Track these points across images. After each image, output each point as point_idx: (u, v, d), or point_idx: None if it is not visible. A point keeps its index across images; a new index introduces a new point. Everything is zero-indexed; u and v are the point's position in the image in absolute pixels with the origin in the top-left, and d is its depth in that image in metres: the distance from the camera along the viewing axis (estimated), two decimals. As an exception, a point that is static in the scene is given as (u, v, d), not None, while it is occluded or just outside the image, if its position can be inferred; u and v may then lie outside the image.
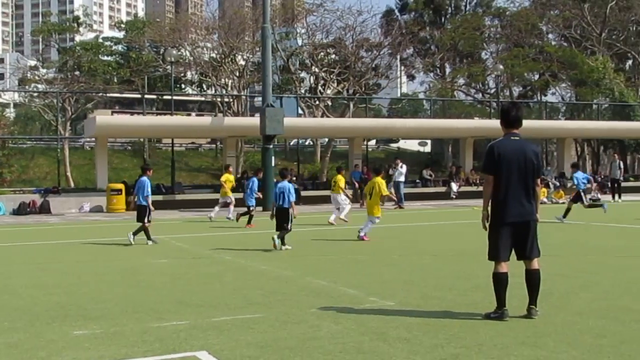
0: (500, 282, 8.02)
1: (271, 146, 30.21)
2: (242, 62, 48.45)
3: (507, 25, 59.04)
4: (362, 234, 17.21)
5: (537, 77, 58.85)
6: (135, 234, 17.08)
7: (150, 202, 17.42)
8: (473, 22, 57.07)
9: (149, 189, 17.52)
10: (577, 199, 22.89)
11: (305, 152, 51.47)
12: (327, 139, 46.68)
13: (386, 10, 62.18)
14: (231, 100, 45.66)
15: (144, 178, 17.63)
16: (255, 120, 32.07)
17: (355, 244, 16.63)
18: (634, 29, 62.77)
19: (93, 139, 36.31)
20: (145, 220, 17.27)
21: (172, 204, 31.66)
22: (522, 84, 60.94)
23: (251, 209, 22.80)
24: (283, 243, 15.52)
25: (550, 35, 63.16)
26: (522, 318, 8.02)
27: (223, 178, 26.36)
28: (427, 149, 60.61)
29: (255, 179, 23.88)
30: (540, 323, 7.82)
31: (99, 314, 8.74)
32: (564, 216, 21.78)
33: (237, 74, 47.03)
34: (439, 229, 21.06)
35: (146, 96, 45.84)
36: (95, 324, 8.20)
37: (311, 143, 55.21)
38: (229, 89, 47.64)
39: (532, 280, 8.13)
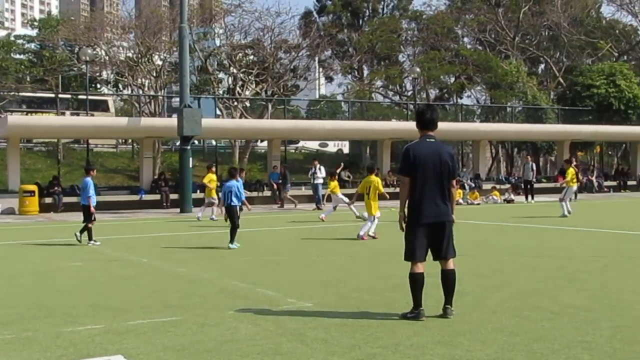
0: (416, 282, 8.11)
1: (189, 147, 29.97)
2: (159, 62, 47.84)
3: (423, 28, 59.72)
4: (361, 233, 17.56)
5: (453, 80, 59.69)
6: (82, 232, 17.20)
7: (92, 203, 17.41)
8: (390, 25, 57.55)
9: (92, 190, 17.53)
10: None
11: (223, 153, 51.13)
12: (245, 140, 46.49)
13: (304, 12, 62.22)
14: (148, 100, 45.08)
15: (88, 179, 17.66)
16: (173, 121, 31.76)
17: (273, 245, 16.60)
18: (546, 33, 64.29)
19: (4, 139, 35.40)
20: (91, 219, 17.35)
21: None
22: (438, 87, 61.73)
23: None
24: (232, 242, 15.87)
25: (465, 39, 64.23)
26: (438, 317, 8.13)
27: (206, 179, 26.39)
28: (331, 149, 60.84)
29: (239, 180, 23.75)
30: (456, 322, 7.95)
31: (10, 319, 8.53)
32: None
33: (154, 74, 46.42)
34: (356, 230, 21.17)
35: (60, 96, 44.81)
36: (6, 329, 8.00)
37: (229, 144, 54.94)
38: (146, 89, 47.04)
39: (448, 280, 8.24)
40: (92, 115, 39.17)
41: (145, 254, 15.28)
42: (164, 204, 32.22)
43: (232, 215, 16.21)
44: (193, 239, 18.50)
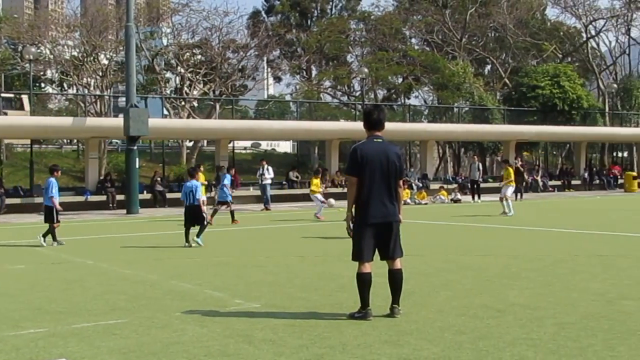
0: (363, 282, 8.13)
1: (135, 147, 29.69)
2: (105, 62, 47.29)
3: (371, 29, 59.95)
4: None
5: (400, 80, 60.01)
6: (44, 235, 17.05)
7: (56, 203, 17.30)
8: (339, 26, 57.67)
9: (55, 190, 17.37)
10: None
11: (171, 153, 50.77)
12: (193, 141, 46.21)
13: (253, 12, 62.06)
14: (94, 100, 44.53)
15: (52, 179, 17.51)
16: (119, 121, 31.45)
17: (220, 245, 16.50)
18: (493, 35, 65.03)
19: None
20: (55, 221, 17.25)
21: (30, 207, 30.54)
22: (386, 87, 61.99)
23: (230, 204, 23.16)
24: (198, 235, 16.36)
25: (413, 40, 64.65)
26: (385, 317, 8.16)
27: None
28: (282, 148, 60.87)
29: (228, 175, 23.83)
30: (403, 322, 7.98)
31: (-48, 323, 8.35)
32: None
33: (100, 74, 45.86)
34: (305, 230, 21.19)
35: (2, 95, 44.06)
36: (-53, 333, 7.83)
37: (177, 144, 54.56)
38: (92, 88, 46.47)
39: (395, 280, 8.27)
40: (6, 114, 38.55)
41: (91, 255, 15.08)
42: (110, 205, 31.88)
43: (197, 214, 16.57)
44: (140, 240, 18.31)
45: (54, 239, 17.16)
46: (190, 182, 16.88)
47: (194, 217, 16.60)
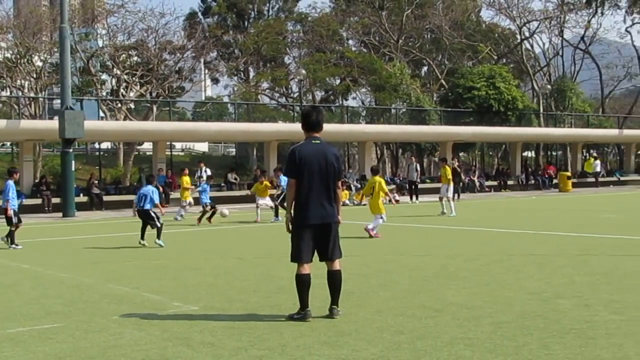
0: (302, 283, 8.14)
1: (71, 150, 29.28)
2: (40, 63, 46.55)
3: (309, 30, 60.01)
4: (370, 227, 17.94)
5: (338, 82, 60.20)
6: (8, 236, 17.22)
7: (9, 206, 17.33)
8: (276, 27, 57.62)
9: (12, 193, 17.43)
10: None
11: (107, 156, 50.17)
12: (129, 143, 45.74)
13: (189, 13, 61.56)
14: (28, 102, 43.77)
15: (9, 182, 17.59)
16: (54, 123, 30.96)
17: (158, 249, 16.37)
18: (429, 36, 65.66)
19: None
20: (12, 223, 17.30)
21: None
22: (324, 89, 62.13)
23: (209, 206, 23.79)
24: (159, 237, 16.62)
25: (350, 41, 64.90)
26: (324, 318, 8.18)
27: (184, 182, 27.03)
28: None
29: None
30: (342, 322, 8.01)
31: None
32: None
33: (34, 75, 45.14)
34: (244, 232, 21.13)
35: None
36: None
37: (113, 147, 53.94)
38: (26, 90, 45.69)
39: (334, 281, 8.30)
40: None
41: (26, 259, 14.82)
42: (46, 208, 31.33)
43: (147, 217, 16.87)
44: (76, 243, 18.05)
45: (12, 241, 17.15)
46: (145, 188, 17.26)
47: (144, 220, 16.94)
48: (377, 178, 18.63)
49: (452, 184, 26.39)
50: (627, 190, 44.26)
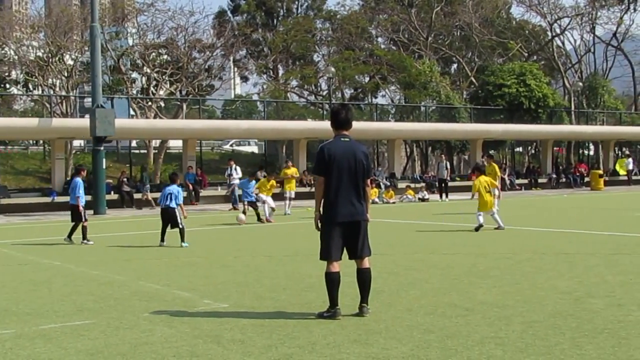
0: (332, 281, 8.12)
1: (102, 148, 29.47)
2: (71, 62, 46.92)
3: (338, 28, 60.00)
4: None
5: (367, 79, 60.13)
6: (70, 235, 17.59)
7: (80, 202, 17.75)
8: (305, 25, 57.66)
9: (81, 190, 17.84)
10: None
11: (138, 153, 50.45)
12: (160, 141, 45.97)
13: (218, 12, 61.85)
14: (59, 101, 44.12)
15: (77, 179, 18.04)
16: (85, 121, 31.20)
17: (188, 246, 16.42)
18: (458, 34, 65.35)
19: None
20: (82, 219, 17.69)
21: (-4, 209, 30.29)
22: (353, 86, 62.10)
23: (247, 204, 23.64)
24: (183, 240, 16.40)
25: (379, 39, 64.77)
26: (354, 316, 8.16)
27: (288, 172, 27.67)
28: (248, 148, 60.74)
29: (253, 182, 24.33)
30: (371, 321, 7.99)
31: None
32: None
33: (66, 74, 45.49)
34: (273, 229, 21.15)
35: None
36: None
37: (144, 144, 54.24)
38: (57, 89, 46.07)
39: (364, 279, 8.28)
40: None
41: (58, 256, 14.95)
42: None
43: (171, 217, 16.64)
44: (107, 241, 18.16)
45: (84, 237, 17.52)
46: (170, 187, 17.00)
47: (168, 220, 16.70)
48: (485, 176, 19.73)
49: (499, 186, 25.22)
50: (660, 189, 43.74)
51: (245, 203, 23.80)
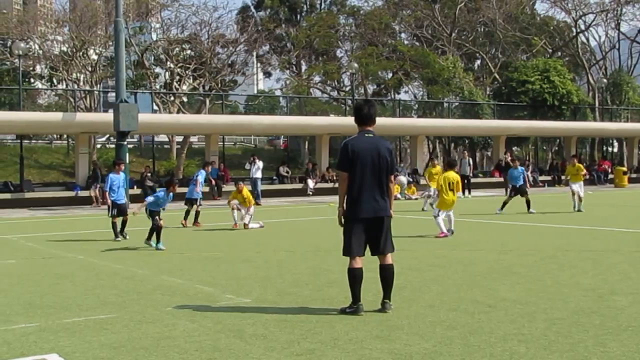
0: (354, 277, 8.11)
1: (125, 142, 29.58)
2: (95, 57, 47.19)
3: (361, 24, 59.92)
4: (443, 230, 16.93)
5: (390, 75, 60.01)
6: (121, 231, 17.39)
7: (107, 197, 17.74)
8: (328, 21, 57.61)
9: (119, 183, 17.78)
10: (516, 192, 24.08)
11: (161, 148, 50.67)
12: (183, 136, 46.14)
13: (242, 7, 61.98)
14: (83, 95, 44.38)
15: (113, 174, 17.85)
16: (109, 116, 31.32)
17: (209, 240, 16.47)
18: (482, 30, 65.05)
19: None
20: (110, 214, 17.61)
21: (21, 203, 30.50)
22: (376, 82, 62.01)
23: (199, 204, 21.56)
24: (158, 240, 15.28)
25: (402, 35, 64.58)
26: (376, 312, 8.16)
27: (433, 171, 25.53)
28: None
29: (202, 172, 22.93)
30: (394, 317, 7.98)
31: (-59, 319, 8.30)
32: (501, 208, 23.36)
33: (90, 69, 45.75)
34: (295, 225, 21.18)
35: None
36: (-64, 329, 7.79)
37: (167, 139, 54.46)
38: (81, 83, 46.34)
39: (386, 275, 8.27)
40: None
41: (81, 250, 15.05)
42: (101, 200, 31.72)
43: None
44: (130, 235, 18.24)
45: (121, 232, 17.40)
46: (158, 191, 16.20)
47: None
48: (449, 173, 17.34)
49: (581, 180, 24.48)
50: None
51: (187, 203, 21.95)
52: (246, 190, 20.43)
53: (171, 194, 15.75)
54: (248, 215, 19.72)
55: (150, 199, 15.68)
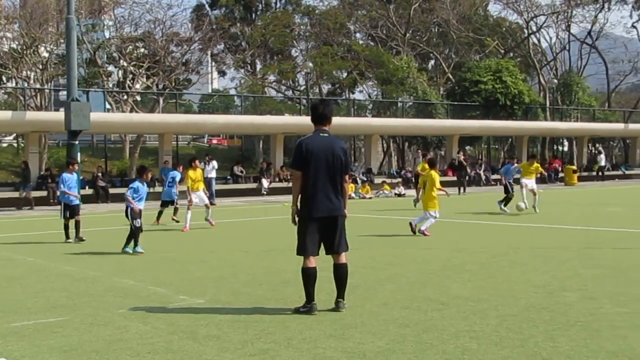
0: (308, 276, 8.13)
1: (77, 142, 29.22)
2: (46, 54, 46.53)
3: (316, 23, 59.97)
4: (423, 227, 16.62)
5: (345, 75, 60.17)
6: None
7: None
8: (283, 20, 57.55)
9: (71, 184, 17.30)
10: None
11: (113, 148, 50.19)
12: (136, 135, 45.76)
13: (196, 5, 61.65)
14: (34, 93, 43.76)
15: (66, 173, 17.44)
16: (60, 115, 30.94)
17: (163, 241, 16.37)
18: (436, 30, 65.54)
19: None
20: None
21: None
22: (331, 82, 62.11)
23: (176, 202, 22.01)
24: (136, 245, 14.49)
25: (357, 35, 64.80)
26: (330, 311, 8.18)
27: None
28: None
29: (177, 173, 22.69)
30: (348, 315, 8.01)
31: None
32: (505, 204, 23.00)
33: (40, 67, 45.10)
34: (249, 225, 21.13)
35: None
36: None
37: (120, 139, 53.97)
38: (32, 81, 45.68)
39: (340, 274, 8.29)
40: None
41: (31, 252, 14.84)
42: (51, 201, 31.37)
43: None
44: (85, 235, 18.05)
45: (76, 235, 16.95)
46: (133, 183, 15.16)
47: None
48: (433, 172, 17.19)
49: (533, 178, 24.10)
50: (633, 184, 44.15)
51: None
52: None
53: (145, 183, 15.12)
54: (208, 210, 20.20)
55: (130, 194, 14.68)
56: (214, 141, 66.34)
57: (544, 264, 11.71)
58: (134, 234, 14.38)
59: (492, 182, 45.31)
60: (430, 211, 16.84)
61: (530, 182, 23.63)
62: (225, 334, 7.33)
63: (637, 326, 7.36)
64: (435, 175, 17.12)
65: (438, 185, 17.07)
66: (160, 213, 21.66)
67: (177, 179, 22.19)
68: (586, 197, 32.23)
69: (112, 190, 33.34)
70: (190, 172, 20.08)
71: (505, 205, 23.13)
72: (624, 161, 61.33)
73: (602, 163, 51.90)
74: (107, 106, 45.74)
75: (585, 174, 50.87)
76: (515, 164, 25.61)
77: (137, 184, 14.90)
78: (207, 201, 20.46)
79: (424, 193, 17.62)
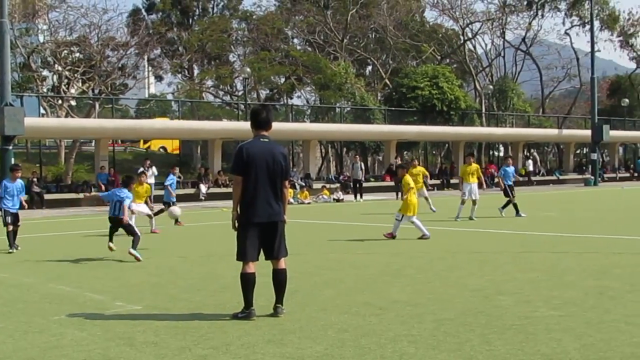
0: (247, 282, 8.12)
1: (11, 147, 28.76)
2: (-22, 59, 45.70)
3: (254, 28, 59.97)
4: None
5: (283, 80, 60.24)
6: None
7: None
8: (220, 25, 57.43)
9: (13, 191, 16.22)
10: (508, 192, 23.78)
11: (48, 153, 49.40)
12: (72, 140, 45.12)
13: (133, 10, 61.09)
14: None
15: (7, 181, 16.40)
16: (-7, 120, 30.38)
17: (100, 247, 16.16)
18: (373, 36, 66.03)
19: None
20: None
21: None
22: (269, 87, 62.14)
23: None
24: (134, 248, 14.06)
25: (295, 40, 65.02)
26: (269, 317, 8.17)
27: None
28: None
29: (172, 175, 22.99)
30: (286, 321, 8.01)
31: None
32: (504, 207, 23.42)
33: (-27, 71, 44.35)
34: (188, 230, 20.99)
35: None
36: None
37: (55, 144, 53.17)
38: (-36, 86, 44.82)
39: (279, 279, 8.30)
40: None
41: (-36, 259, 14.53)
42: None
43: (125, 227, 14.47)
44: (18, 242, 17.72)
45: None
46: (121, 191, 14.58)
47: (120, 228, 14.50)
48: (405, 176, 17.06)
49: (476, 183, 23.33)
50: (566, 189, 45.02)
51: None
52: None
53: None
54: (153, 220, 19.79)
55: (128, 201, 14.42)
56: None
57: (480, 268, 11.86)
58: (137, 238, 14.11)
59: (429, 188, 45.70)
60: (407, 215, 16.83)
61: (473, 187, 22.93)
62: (163, 340, 7.27)
63: (570, 329, 7.49)
64: (407, 178, 17.06)
65: (412, 185, 17.09)
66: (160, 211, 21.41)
67: (171, 182, 22.81)
68: (522, 201, 32.66)
69: (47, 196, 32.82)
70: (138, 187, 19.33)
71: (504, 208, 23.32)
72: (558, 166, 62.53)
73: (530, 168, 53.10)
74: (42, 111, 45.03)
75: (521, 178, 51.70)
76: (511, 165, 25.48)
77: (125, 192, 14.46)
78: (149, 212, 20.02)
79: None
